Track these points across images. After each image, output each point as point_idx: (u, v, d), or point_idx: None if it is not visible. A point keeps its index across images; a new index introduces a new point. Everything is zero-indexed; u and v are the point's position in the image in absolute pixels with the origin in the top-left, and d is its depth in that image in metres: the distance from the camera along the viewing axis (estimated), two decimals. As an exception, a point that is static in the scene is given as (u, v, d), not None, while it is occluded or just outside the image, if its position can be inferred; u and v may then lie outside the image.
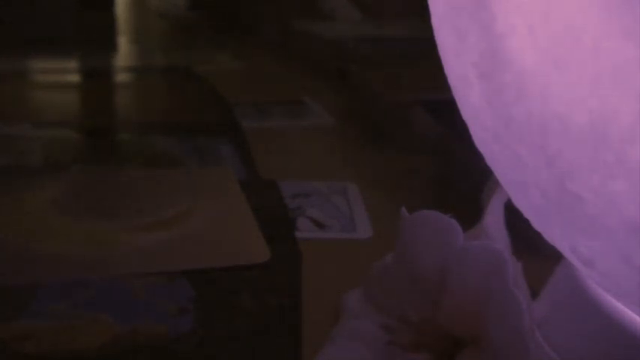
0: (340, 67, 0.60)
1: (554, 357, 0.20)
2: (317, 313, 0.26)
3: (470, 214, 0.24)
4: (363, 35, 0.68)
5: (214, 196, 0.35)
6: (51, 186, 0.36)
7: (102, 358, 0.23)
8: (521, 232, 0.22)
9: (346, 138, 0.48)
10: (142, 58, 0.72)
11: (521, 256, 0.22)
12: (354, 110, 0.54)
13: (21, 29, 0.72)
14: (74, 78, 0.64)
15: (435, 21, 0.20)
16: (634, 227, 0.16)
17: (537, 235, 0.20)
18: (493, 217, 0.24)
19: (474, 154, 0.21)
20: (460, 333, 0.21)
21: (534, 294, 0.22)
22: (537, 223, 0.20)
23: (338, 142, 0.47)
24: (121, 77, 0.65)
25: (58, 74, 0.62)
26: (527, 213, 0.20)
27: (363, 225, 0.34)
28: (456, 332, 0.21)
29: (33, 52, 0.67)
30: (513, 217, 0.22)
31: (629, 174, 0.15)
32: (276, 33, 0.77)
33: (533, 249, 0.22)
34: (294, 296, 0.27)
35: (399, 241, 0.22)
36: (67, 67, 0.66)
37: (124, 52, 0.74)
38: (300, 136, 0.48)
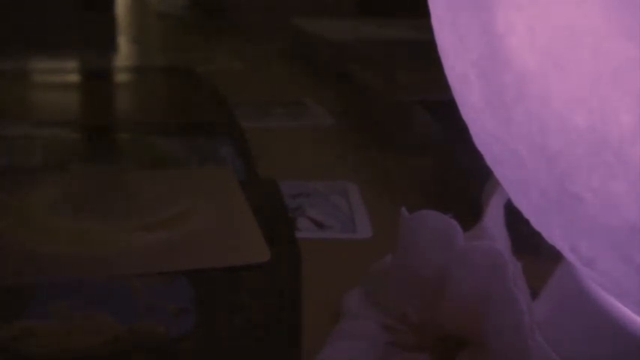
0: (340, 67, 0.60)
1: (554, 357, 0.20)
2: (317, 313, 0.26)
3: (470, 214, 0.24)
4: (364, 36, 0.68)
5: (214, 196, 0.35)
6: (51, 186, 0.36)
7: (102, 358, 0.23)
8: (521, 232, 0.22)
9: (346, 138, 0.48)
10: (142, 58, 0.72)
11: (521, 256, 0.22)
12: (354, 110, 0.54)
13: (21, 29, 0.72)
14: (74, 78, 0.64)
15: (435, 21, 0.20)
16: (634, 227, 0.16)
17: (537, 235, 0.20)
18: (493, 217, 0.24)
19: (473, 154, 0.21)
20: (460, 333, 0.21)
21: (534, 294, 0.22)
22: (537, 223, 0.20)
23: (338, 142, 0.47)
24: (121, 77, 0.65)
25: (58, 74, 0.62)
26: (527, 213, 0.20)
27: (363, 225, 0.34)
28: (456, 332, 0.21)
29: (33, 52, 0.67)
30: (513, 217, 0.22)
31: (629, 174, 0.15)
32: (276, 33, 0.77)
33: (533, 249, 0.22)
34: (294, 296, 0.27)
35: (399, 241, 0.22)
36: (67, 67, 0.66)
37: (124, 52, 0.74)
38: (300, 136, 0.48)
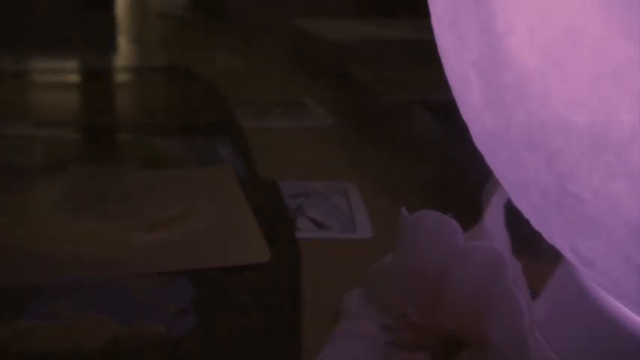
0: (340, 67, 0.60)
1: (554, 357, 0.20)
2: (317, 313, 0.26)
3: (470, 214, 0.24)
4: (364, 36, 0.68)
5: (214, 196, 0.35)
6: (51, 186, 0.36)
7: (102, 358, 0.23)
8: (521, 232, 0.22)
9: (346, 138, 0.48)
10: (142, 58, 0.72)
11: (521, 256, 0.22)
12: (354, 110, 0.54)
13: (21, 29, 0.72)
14: (74, 78, 0.64)
15: (435, 21, 0.20)
16: (634, 227, 0.16)
17: (537, 235, 0.20)
18: (493, 217, 0.24)
19: (473, 154, 0.21)
20: (460, 333, 0.21)
21: (534, 294, 0.22)
22: (537, 223, 0.20)
23: (338, 142, 0.47)
24: (121, 77, 0.65)
25: (58, 74, 0.62)
26: (527, 213, 0.20)
27: (363, 225, 0.34)
28: (456, 332, 0.21)
29: (33, 52, 0.67)
30: (513, 217, 0.22)
31: (629, 174, 0.15)
32: (276, 33, 0.77)
33: (533, 249, 0.22)
34: (294, 296, 0.27)
35: (399, 241, 0.22)
36: (67, 67, 0.66)
37: (124, 52, 0.74)
38: (300, 136, 0.48)
